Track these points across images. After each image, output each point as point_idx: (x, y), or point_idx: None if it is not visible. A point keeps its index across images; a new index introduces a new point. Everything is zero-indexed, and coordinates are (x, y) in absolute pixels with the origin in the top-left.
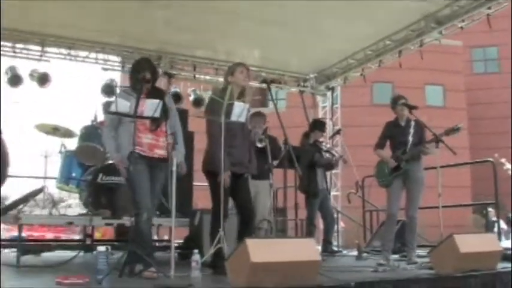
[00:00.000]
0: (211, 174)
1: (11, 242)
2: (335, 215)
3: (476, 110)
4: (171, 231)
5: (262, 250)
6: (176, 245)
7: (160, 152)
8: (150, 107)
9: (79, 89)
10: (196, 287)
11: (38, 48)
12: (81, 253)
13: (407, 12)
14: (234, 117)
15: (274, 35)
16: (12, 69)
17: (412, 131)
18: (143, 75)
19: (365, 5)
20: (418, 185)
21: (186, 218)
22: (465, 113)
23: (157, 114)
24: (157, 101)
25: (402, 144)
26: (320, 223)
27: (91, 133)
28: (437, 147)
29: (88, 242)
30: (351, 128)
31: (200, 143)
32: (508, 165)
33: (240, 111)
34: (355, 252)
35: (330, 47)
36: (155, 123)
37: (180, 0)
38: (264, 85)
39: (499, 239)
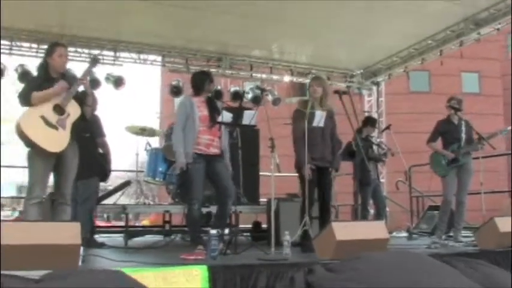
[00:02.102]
0: (298, 169)
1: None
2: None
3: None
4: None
5: (344, 231)
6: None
7: (215, 150)
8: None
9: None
10: (290, 260)
11: (112, 53)
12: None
13: (448, 14)
14: (315, 124)
15: (324, 35)
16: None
17: (463, 129)
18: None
19: (410, 7)
20: (469, 175)
21: (255, 205)
22: (501, 99)
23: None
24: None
25: (456, 140)
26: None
27: None
28: (483, 146)
29: (167, 227)
30: (389, 116)
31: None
32: None
33: (319, 118)
34: (403, 234)
35: (376, 45)
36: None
37: (238, 7)
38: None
39: None
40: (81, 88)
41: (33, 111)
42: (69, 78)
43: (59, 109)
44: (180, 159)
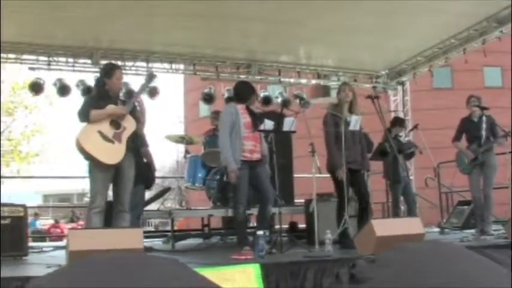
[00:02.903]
0: (332, 172)
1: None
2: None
3: None
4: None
5: (383, 227)
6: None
7: (257, 156)
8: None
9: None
10: (333, 256)
11: (144, 64)
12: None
13: (471, 13)
14: (351, 127)
15: (349, 38)
16: (125, 84)
17: (484, 126)
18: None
19: (433, 6)
20: (492, 170)
21: (291, 206)
22: None
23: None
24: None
25: (477, 138)
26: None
27: (214, 140)
28: (506, 140)
29: (206, 231)
30: (413, 112)
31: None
32: None
33: (355, 122)
34: (434, 229)
35: (400, 46)
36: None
37: (265, 15)
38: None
39: None
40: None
41: (91, 127)
42: (126, 94)
43: (116, 124)
44: (231, 167)
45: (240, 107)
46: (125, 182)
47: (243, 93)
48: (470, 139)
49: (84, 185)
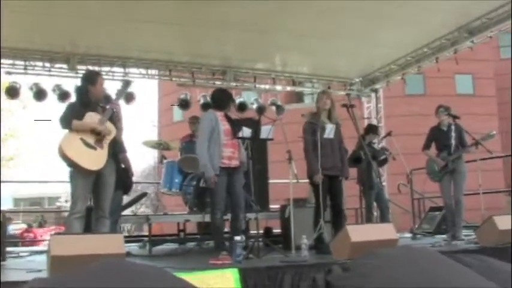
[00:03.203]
0: (310, 178)
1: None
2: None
3: (505, 95)
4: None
5: (357, 233)
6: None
7: (235, 162)
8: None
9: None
10: (310, 261)
11: (121, 69)
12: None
13: (443, 23)
14: (325, 135)
15: (324, 46)
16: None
17: (453, 134)
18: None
19: (406, 17)
20: (461, 176)
21: (266, 212)
22: (495, 100)
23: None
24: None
25: (446, 146)
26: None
27: (191, 146)
28: (477, 148)
29: (181, 236)
30: (386, 119)
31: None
32: None
33: (329, 130)
34: (406, 235)
35: (374, 55)
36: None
37: (241, 23)
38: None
39: None
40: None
41: (73, 134)
42: (103, 99)
43: (96, 131)
44: (208, 174)
45: (219, 114)
46: (105, 189)
47: (221, 100)
48: (440, 147)
49: (56, 189)
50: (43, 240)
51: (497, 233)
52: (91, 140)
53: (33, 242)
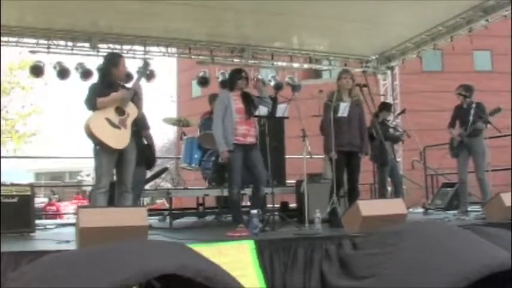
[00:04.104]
0: (326, 153)
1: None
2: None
3: None
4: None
5: (368, 208)
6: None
7: (251, 140)
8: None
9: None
10: (322, 234)
11: (141, 48)
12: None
13: (458, 2)
14: (339, 114)
15: (340, 25)
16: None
17: (472, 111)
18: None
19: None
20: (479, 155)
21: (282, 187)
22: (509, 76)
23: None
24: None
25: (465, 123)
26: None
27: (210, 123)
28: (486, 126)
29: (201, 209)
30: (403, 95)
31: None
32: None
33: (343, 109)
34: (419, 210)
35: (390, 33)
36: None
37: (259, 3)
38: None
39: None
40: None
41: (99, 114)
42: (127, 77)
43: (120, 111)
44: (221, 149)
45: (233, 94)
46: (128, 165)
47: (230, 81)
48: (460, 125)
49: (76, 164)
50: (65, 214)
51: (504, 209)
52: (116, 120)
53: (56, 215)
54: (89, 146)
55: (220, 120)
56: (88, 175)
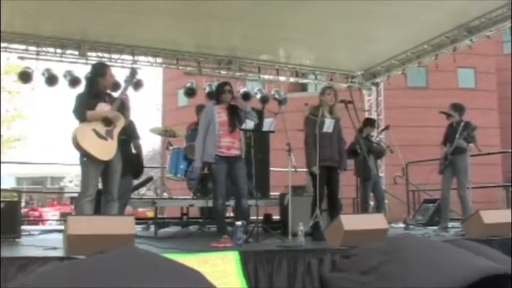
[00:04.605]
0: (309, 168)
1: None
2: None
3: (505, 90)
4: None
5: (350, 222)
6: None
7: (235, 152)
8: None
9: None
10: (305, 247)
11: (130, 57)
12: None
13: (443, 22)
14: (325, 130)
15: (326, 40)
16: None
17: (460, 129)
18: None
19: (407, 14)
20: (461, 172)
21: (266, 199)
22: (495, 94)
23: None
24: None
25: (452, 141)
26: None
27: (196, 134)
28: (468, 144)
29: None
30: (386, 110)
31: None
32: None
33: (328, 124)
34: (400, 225)
35: (375, 50)
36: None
37: (247, 16)
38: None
39: None
40: None
41: (86, 125)
42: (114, 86)
43: (107, 121)
44: (196, 164)
45: (219, 107)
46: (114, 175)
47: (216, 94)
48: (449, 143)
49: (59, 169)
50: (47, 220)
51: (483, 226)
52: (102, 131)
53: (39, 220)
54: (72, 152)
55: (202, 134)
56: (71, 181)
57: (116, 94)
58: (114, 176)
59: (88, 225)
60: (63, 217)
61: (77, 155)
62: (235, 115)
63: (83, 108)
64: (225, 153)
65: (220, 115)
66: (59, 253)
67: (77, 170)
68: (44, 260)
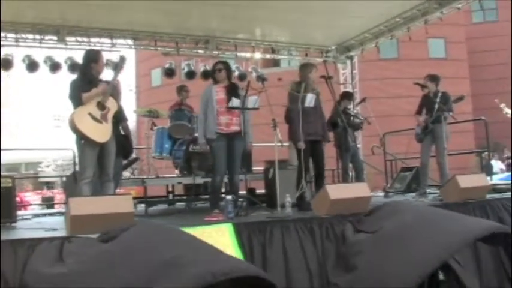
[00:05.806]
0: (294, 143)
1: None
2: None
3: (476, 58)
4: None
5: (336, 191)
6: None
7: (235, 128)
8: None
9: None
10: (292, 216)
11: (108, 40)
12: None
13: None
14: (306, 104)
15: (301, 17)
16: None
17: (437, 100)
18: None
19: None
20: (440, 140)
21: (250, 174)
22: (466, 63)
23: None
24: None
25: (431, 110)
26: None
27: (179, 114)
28: (450, 112)
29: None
30: (360, 82)
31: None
32: (508, 110)
33: (310, 99)
34: (380, 193)
35: (350, 24)
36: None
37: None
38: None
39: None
40: None
41: (82, 109)
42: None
43: (101, 105)
44: (200, 141)
45: (217, 86)
46: (109, 156)
47: (211, 75)
48: (427, 112)
49: (33, 155)
50: (30, 205)
51: (459, 190)
52: (97, 114)
53: (21, 206)
54: (50, 138)
55: (202, 114)
56: (48, 166)
57: (107, 80)
58: (110, 158)
59: (89, 205)
60: (45, 201)
61: (75, 140)
62: (233, 94)
63: (78, 93)
64: (224, 130)
65: (219, 93)
66: (62, 233)
67: (54, 155)
68: (51, 239)
